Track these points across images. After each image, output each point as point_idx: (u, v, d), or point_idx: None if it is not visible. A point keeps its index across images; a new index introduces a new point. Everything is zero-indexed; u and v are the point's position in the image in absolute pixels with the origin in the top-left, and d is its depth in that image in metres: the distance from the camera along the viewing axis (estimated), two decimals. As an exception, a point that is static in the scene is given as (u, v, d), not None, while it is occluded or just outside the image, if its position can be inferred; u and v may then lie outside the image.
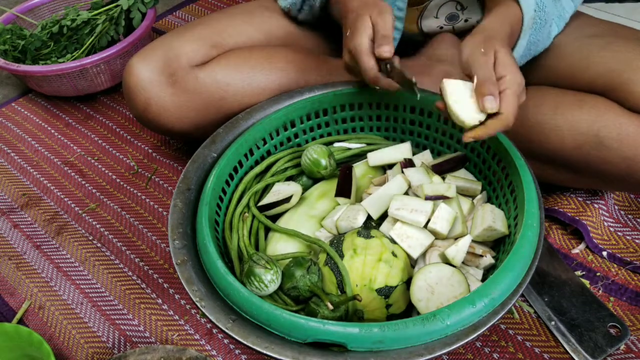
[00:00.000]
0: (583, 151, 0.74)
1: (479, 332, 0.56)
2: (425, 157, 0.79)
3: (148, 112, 0.86)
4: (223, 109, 0.86)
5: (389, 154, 0.79)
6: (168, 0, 1.54)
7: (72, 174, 1.06)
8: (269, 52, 0.89)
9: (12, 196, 1.03)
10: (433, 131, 0.81)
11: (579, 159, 0.75)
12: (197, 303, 0.60)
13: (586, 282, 0.79)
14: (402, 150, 0.79)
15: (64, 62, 1.16)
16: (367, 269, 0.64)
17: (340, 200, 0.75)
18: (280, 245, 0.72)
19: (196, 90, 0.85)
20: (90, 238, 0.94)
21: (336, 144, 0.85)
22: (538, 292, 0.78)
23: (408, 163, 0.77)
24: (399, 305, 0.66)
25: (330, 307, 0.62)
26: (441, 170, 0.75)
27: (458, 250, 0.67)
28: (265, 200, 0.76)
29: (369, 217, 0.72)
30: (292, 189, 0.76)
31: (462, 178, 0.75)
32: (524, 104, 0.80)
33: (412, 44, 0.98)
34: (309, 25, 0.96)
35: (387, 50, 0.70)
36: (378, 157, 0.79)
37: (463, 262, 0.68)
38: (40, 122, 1.19)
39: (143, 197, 1.00)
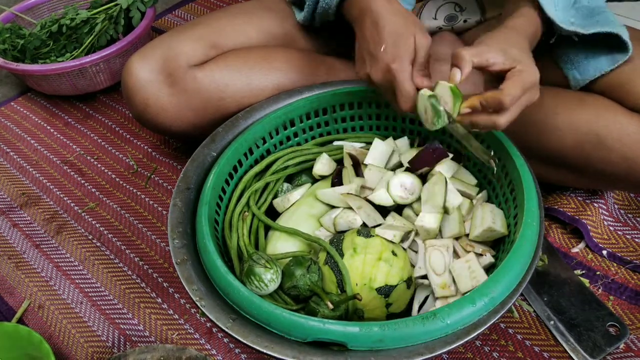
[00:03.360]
0: (583, 151, 0.74)
1: (479, 331, 0.56)
2: (402, 144, 0.80)
3: (147, 112, 0.86)
4: (222, 109, 0.86)
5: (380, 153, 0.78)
6: (167, -1, 1.54)
7: (72, 173, 1.06)
8: (268, 53, 0.89)
9: (12, 195, 1.03)
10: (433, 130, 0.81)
11: (579, 158, 0.75)
12: (197, 302, 0.60)
13: (586, 281, 0.79)
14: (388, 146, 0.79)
15: (63, 61, 1.16)
16: (367, 268, 0.64)
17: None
18: (280, 244, 0.72)
19: (195, 90, 0.85)
20: (89, 237, 0.94)
21: (335, 143, 0.85)
22: (537, 291, 0.78)
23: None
24: (398, 304, 0.66)
25: (331, 306, 0.62)
26: (420, 165, 0.73)
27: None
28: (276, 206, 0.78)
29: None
30: (301, 192, 0.77)
31: (459, 180, 0.74)
32: None
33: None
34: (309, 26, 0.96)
35: (428, 84, 0.67)
36: (371, 156, 0.78)
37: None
38: (39, 121, 1.19)
39: (143, 196, 1.00)
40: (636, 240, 0.84)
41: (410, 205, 0.72)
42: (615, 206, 0.88)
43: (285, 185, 0.81)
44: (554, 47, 0.75)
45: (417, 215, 0.70)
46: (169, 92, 0.85)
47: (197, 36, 0.88)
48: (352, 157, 0.77)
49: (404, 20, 0.69)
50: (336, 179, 0.76)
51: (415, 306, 0.69)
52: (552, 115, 0.76)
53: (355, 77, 0.89)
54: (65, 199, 1.01)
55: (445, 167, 0.73)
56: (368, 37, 0.71)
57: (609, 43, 0.72)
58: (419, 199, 0.71)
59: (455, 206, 0.69)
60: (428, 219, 0.68)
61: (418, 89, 0.66)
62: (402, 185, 0.71)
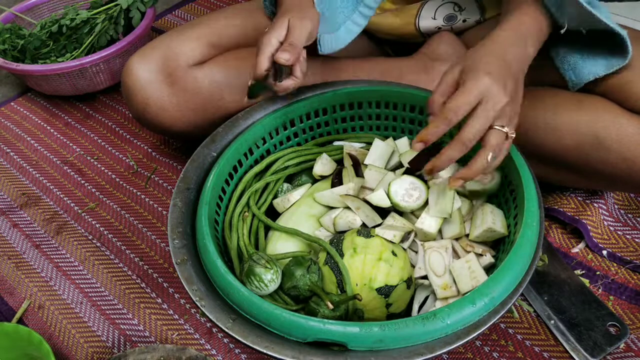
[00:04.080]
0: (582, 152, 0.74)
1: (479, 331, 0.56)
2: (402, 144, 0.80)
3: (147, 112, 0.86)
4: (222, 109, 0.86)
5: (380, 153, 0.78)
6: (167, -1, 1.54)
7: (72, 173, 1.06)
8: None
9: (12, 195, 1.03)
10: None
11: (579, 159, 0.75)
12: (197, 302, 0.60)
13: (586, 281, 0.79)
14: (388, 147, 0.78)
15: (63, 61, 1.16)
16: (367, 268, 0.64)
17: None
18: (280, 245, 0.72)
19: (194, 90, 0.85)
20: (89, 237, 0.94)
21: (335, 143, 0.85)
22: (538, 291, 0.78)
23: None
24: (399, 304, 0.66)
25: (331, 306, 0.62)
26: (420, 166, 0.73)
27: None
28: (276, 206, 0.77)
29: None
30: (301, 192, 0.77)
31: None
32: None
33: (412, 44, 0.97)
34: None
35: (285, 57, 0.70)
36: (371, 157, 0.78)
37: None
38: (39, 121, 1.19)
39: (143, 196, 1.00)
40: (636, 240, 0.84)
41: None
42: (615, 206, 0.88)
43: (285, 185, 0.81)
44: (551, 47, 0.75)
45: (416, 216, 0.70)
46: (169, 92, 0.85)
47: (197, 36, 0.88)
48: (352, 157, 0.77)
49: (287, 7, 0.76)
50: (336, 179, 0.76)
51: (415, 306, 0.69)
52: (551, 116, 0.76)
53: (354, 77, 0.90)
54: (65, 199, 1.01)
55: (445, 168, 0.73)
56: None
57: (607, 45, 0.71)
58: (422, 205, 0.70)
59: (456, 208, 0.69)
60: (429, 222, 0.68)
61: (276, 62, 0.71)
62: (407, 192, 0.70)
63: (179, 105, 0.86)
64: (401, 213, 0.72)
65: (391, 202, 0.70)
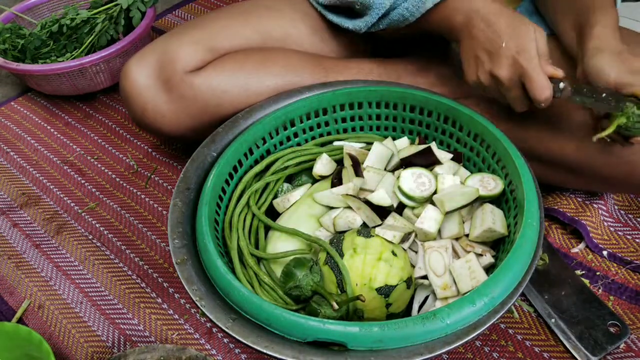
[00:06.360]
0: (585, 154, 0.74)
1: (479, 331, 0.56)
2: (402, 144, 0.80)
3: (145, 116, 0.86)
4: (219, 114, 0.86)
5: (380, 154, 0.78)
6: (167, -1, 1.54)
7: (72, 173, 1.06)
8: (265, 56, 0.88)
9: (12, 195, 1.03)
10: (433, 130, 0.81)
11: (580, 160, 0.75)
12: (196, 302, 0.60)
13: (586, 282, 0.79)
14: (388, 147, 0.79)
15: (63, 61, 1.16)
16: (367, 268, 0.64)
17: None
18: (281, 245, 0.72)
19: (192, 97, 0.84)
20: (89, 237, 0.94)
21: (335, 143, 0.85)
22: (538, 289, 0.78)
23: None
24: (398, 304, 0.66)
25: (336, 306, 0.61)
26: (412, 164, 0.74)
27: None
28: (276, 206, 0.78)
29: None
30: (301, 192, 0.77)
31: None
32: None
33: (409, 44, 0.97)
34: (307, 26, 0.95)
35: (560, 71, 0.64)
36: (371, 159, 0.78)
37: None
38: (39, 121, 1.19)
39: (143, 196, 1.00)
40: (636, 240, 0.84)
41: (411, 207, 0.72)
42: (615, 207, 0.88)
43: (285, 185, 0.81)
44: None
45: (416, 216, 0.70)
46: (167, 98, 0.84)
47: (194, 40, 0.86)
48: (351, 157, 0.77)
49: (517, 15, 0.68)
50: (336, 179, 0.76)
51: (415, 306, 0.69)
52: (553, 117, 0.75)
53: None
54: (65, 199, 1.01)
55: (445, 167, 0.73)
56: (482, 38, 0.69)
57: None
58: (429, 198, 0.70)
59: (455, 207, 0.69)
60: (428, 222, 0.68)
61: (550, 78, 0.65)
62: (416, 181, 0.70)
63: (176, 111, 0.85)
64: (401, 213, 0.72)
65: (405, 196, 0.70)
